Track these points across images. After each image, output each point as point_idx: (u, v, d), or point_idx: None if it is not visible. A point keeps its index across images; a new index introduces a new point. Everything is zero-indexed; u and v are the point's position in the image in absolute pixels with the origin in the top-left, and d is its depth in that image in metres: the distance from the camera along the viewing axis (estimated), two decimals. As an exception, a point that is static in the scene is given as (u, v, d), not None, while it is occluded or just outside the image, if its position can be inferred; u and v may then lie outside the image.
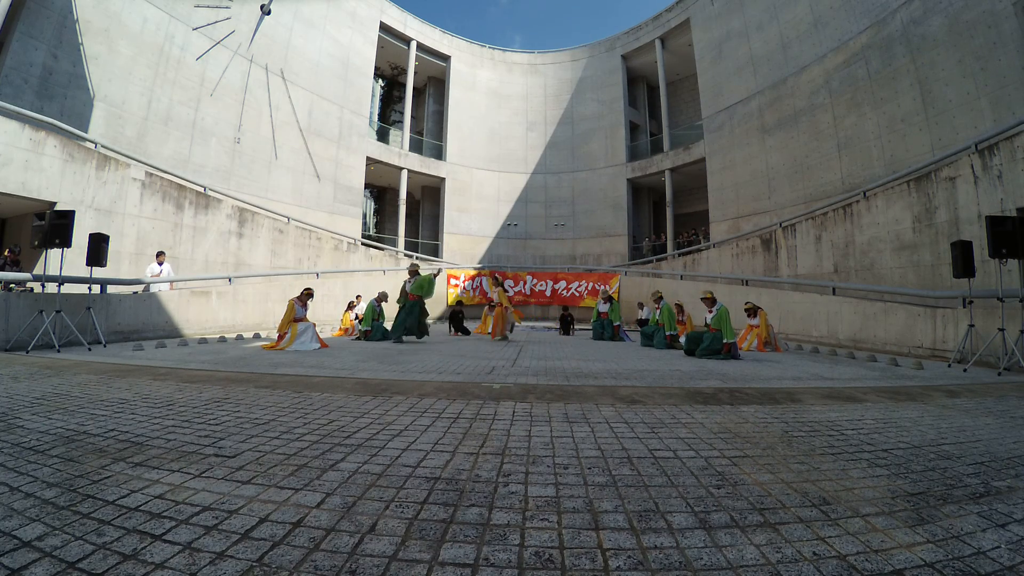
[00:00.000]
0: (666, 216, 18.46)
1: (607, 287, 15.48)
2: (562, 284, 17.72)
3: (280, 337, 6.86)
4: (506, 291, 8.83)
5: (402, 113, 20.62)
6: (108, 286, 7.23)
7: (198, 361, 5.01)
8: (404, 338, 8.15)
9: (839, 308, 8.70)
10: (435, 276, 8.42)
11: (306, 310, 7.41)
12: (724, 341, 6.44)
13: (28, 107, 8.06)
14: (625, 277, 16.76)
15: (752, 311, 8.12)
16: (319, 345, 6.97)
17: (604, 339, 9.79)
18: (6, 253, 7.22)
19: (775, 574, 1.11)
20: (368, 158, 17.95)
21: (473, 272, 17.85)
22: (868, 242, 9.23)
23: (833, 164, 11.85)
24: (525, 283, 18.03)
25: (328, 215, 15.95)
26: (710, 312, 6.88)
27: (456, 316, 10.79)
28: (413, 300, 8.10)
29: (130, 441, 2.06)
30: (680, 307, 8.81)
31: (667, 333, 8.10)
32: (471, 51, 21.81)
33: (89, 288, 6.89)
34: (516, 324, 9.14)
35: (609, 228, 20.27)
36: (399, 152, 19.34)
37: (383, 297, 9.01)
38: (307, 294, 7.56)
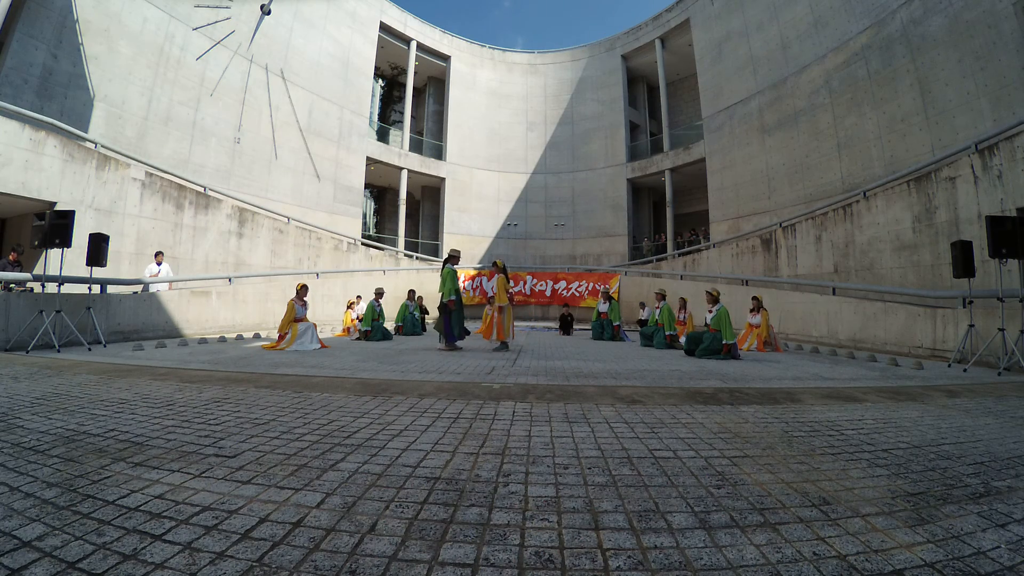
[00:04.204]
0: (666, 216, 18.47)
1: (607, 287, 15.49)
2: (562, 284, 17.72)
3: (280, 337, 6.86)
4: (508, 281, 7.52)
5: (402, 113, 20.63)
6: (108, 286, 7.23)
7: (198, 361, 5.01)
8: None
9: (839, 308, 8.70)
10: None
11: (306, 308, 7.40)
12: (724, 342, 6.44)
13: (28, 107, 8.06)
14: (625, 277, 16.76)
15: (758, 306, 8.13)
16: (319, 345, 6.98)
17: (604, 339, 9.80)
18: (11, 256, 7.21)
19: (775, 574, 1.11)
20: (368, 158, 17.95)
21: (473, 272, 17.85)
22: (868, 242, 9.23)
23: (833, 164, 11.85)
24: (525, 283, 18.03)
25: (328, 215, 15.95)
26: (710, 312, 6.89)
27: (456, 316, 10.76)
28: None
29: (130, 441, 2.06)
30: (684, 302, 8.83)
31: (667, 333, 8.11)
32: (471, 51, 21.82)
33: (89, 288, 6.89)
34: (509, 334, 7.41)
35: (609, 228, 20.27)
36: (399, 152, 19.34)
37: (380, 293, 8.99)
38: (302, 289, 7.51)
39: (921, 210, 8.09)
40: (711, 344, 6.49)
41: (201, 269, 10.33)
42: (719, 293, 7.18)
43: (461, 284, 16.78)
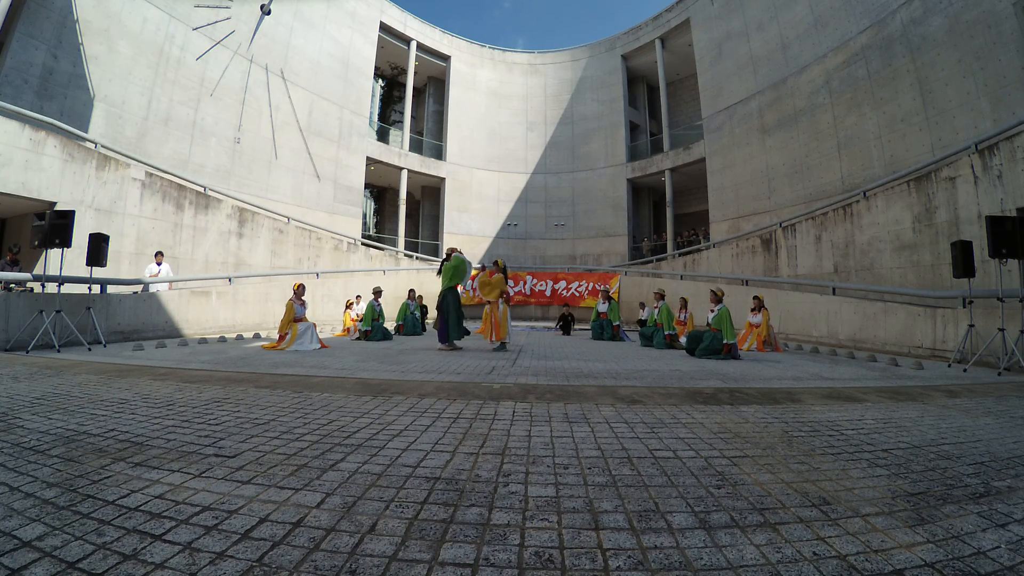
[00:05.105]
0: (666, 216, 18.47)
1: (607, 287, 15.49)
2: (562, 284, 17.72)
3: (280, 338, 6.86)
4: (507, 281, 7.52)
5: (402, 113, 20.63)
6: (108, 286, 7.23)
7: (198, 361, 5.01)
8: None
9: (839, 308, 8.70)
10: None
11: (305, 308, 7.39)
12: (724, 342, 6.44)
13: (28, 107, 8.06)
14: (625, 277, 16.76)
15: (759, 306, 8.15)
16: (319, 345, 6.98)
17: (604, 339, 9.80)
18: (8, 257, 7.21)
19: (775, 574, 1.11)
20: (368, 158, 17.95)
21: (474, 272, 17.82)
22: (868, 242, 9.22)
23: (833, 164, 11.85)
24: (525, 283, 18.02)
25: (328, 215, 15.95)
26: (712, 311, 6.90)
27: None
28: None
29: (130, 441, 2.06)
30: (684, 301, 8.85)
31: (666, 333, 8.12)
32: (471, 51, 21.81)
33: (89, 288, 6.89)
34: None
35: (609, 228, 20.27)
36: (399, 152, 19.34)
37: (378, 293, 9.00)
38: (300, 289, 7.51)
39: (921, 210, 8.09)
40: (711, 343, 6.49)
41: (201, 269, 10.33)
42: (723, 293, 7.19)
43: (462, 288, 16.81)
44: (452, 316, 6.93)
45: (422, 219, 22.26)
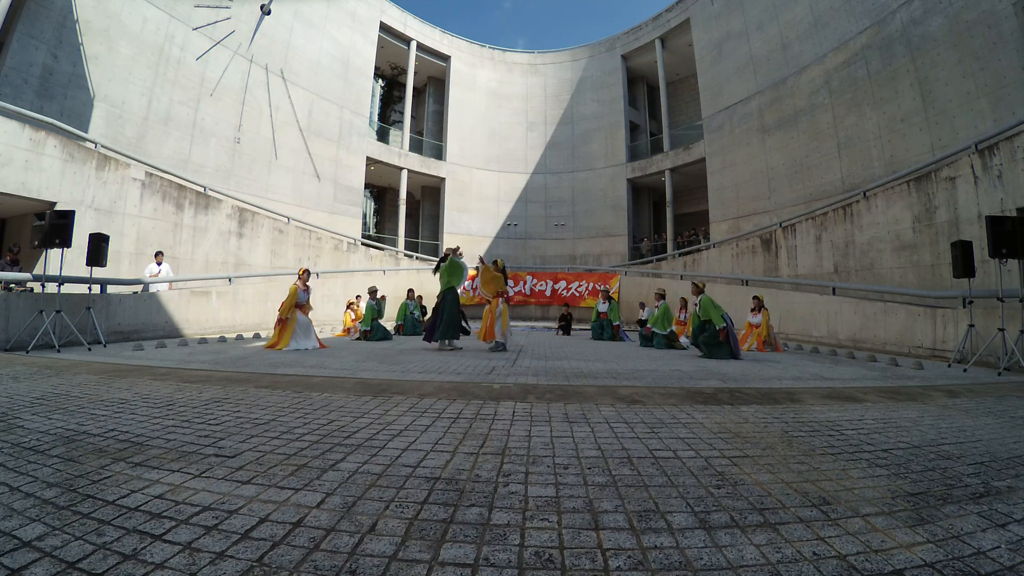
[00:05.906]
0: (666, 216, 18.47)
1: (607, 287, 15.49)
2: (562, 284, 17.72)
3: (280, 321, 6.74)
4: (507, 281, 7.69)
5: (402, 113, 20.63)
6: (108, 286, 7.23)
7: (198, 361, 5.01)
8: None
9: (839, 308, 8.70)
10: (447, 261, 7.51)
11: (309, 294, 7.23)
12: (718, 328, 6.43)
13: (28, 107, 8.05)
14: (625, 277, 16.76)
15: (759, 306, 8.16)
16: (318, 345, 6.96)
17: (604, 339, 9.80)
18: (8, 257, 7.21)
19: (775, 574, 1.11)
20: (368, 158, 17.95)
21: (473, 272, 17.82)
22: (868, 242, 9.23)
23: (833, 164, 11.85)
24: (525, 283, 18.02)
25: (328, 215, 15.95)
26: (695, 305, 6.99)
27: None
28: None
29: (130, 441, 2.06)
30: (685, 301, 8.90)
31: (660, 332, 8.16)
32: (471, 51, 21.81)
33: (89, 288, 6.89)
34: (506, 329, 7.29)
35: (609, 228, 20.27)
36: (399, 152, 19.34)
37: (373, 292, 8.98)
38: (305, 274, 7.24)
39: (921, 210, 8.09)
40: (711, 330, 6.51)
41: (201, 269, 10.33)
42: (704, 284, 7.30)
43: (461, 287, 16.74)
44: (446, 315, 6.94)
45: (422, 219, 22.26)
